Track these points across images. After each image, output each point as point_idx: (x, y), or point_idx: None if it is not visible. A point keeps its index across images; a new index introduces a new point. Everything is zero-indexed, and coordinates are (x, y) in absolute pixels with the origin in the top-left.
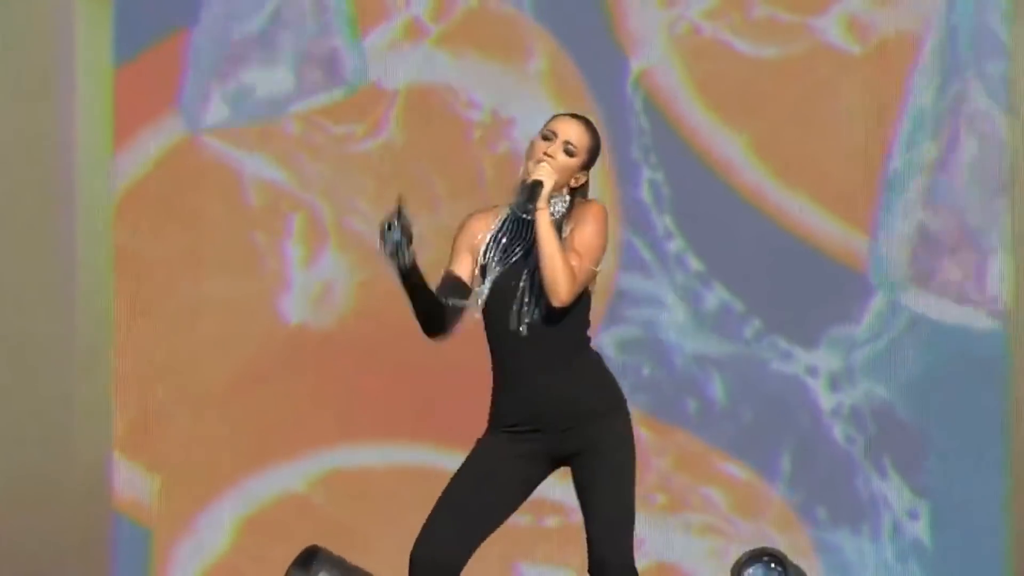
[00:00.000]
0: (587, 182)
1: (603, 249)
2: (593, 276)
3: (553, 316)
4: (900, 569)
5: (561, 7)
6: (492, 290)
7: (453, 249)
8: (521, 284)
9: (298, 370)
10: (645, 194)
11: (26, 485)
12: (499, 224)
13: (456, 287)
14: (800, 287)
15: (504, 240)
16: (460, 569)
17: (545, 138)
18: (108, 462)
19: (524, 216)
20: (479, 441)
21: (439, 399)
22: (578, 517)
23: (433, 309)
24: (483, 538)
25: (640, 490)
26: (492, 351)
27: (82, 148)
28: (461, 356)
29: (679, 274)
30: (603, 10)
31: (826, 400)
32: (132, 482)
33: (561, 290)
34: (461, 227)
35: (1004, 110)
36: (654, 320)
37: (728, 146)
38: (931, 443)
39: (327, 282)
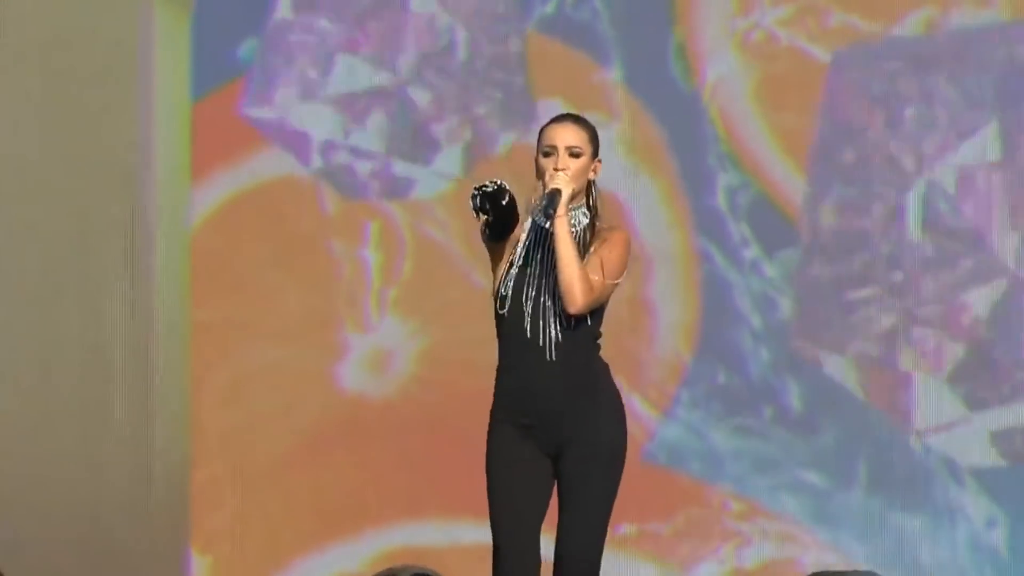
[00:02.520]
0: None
1: (623, 272)
2: (608, 293)
3: (567, 323)
4: None
5: (636, 14)
6: (513, 294)
7: (494, 264)
8: (540, 290)
9: (357, 442)
10: (721, 201)
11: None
12: (524, 234)
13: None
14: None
15: (528, 248)
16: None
17: (547, 155)
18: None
19: (545, 225)
20: (489, 450)
21: None
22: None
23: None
24: (538, 538)
25: (715, 498)
26: (503, 350)
27: (161, 184)
28: None
29: (755, 281)
30: (678, 18)
31: (905, 409)
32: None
33: (577, 296)
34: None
35: None
36: (729, 327)
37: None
38: (1009, 451)
39: (387, 348)
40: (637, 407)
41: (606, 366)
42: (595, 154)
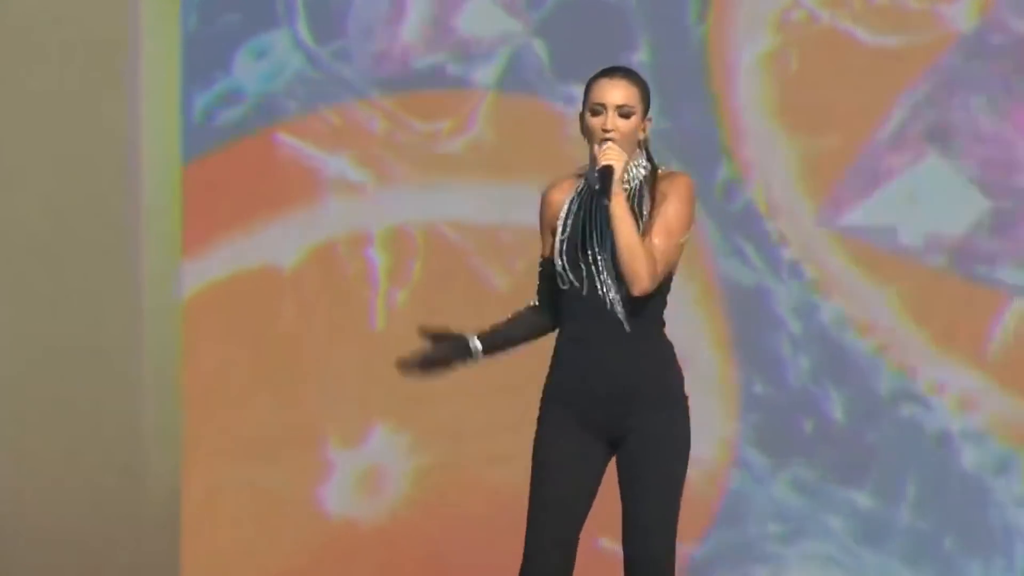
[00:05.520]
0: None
1: (689, 224)
2: (678, 253)
3: (631, 297)
4: None
5: None
6: (568, 266)
7: (541, 229)
8: (601, 262)
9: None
10: (755, 196)
11: None
12: (575, 197)
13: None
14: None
15: (582, 215)
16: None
17: (595, 113)
18: None
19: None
20: (539, 433)
21: None
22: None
23: (528, 335)
24: (579, 532)
25: (753, 518)
26: (563, 326)
27: (150, 251)
28: None
29: (793, 284)
30: None
31: (955, 420)
32: None
33: (642, 278)
34: (542, 202)
35: None
36: (766, 333)
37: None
38: None
39: (377, 465)
40: None
41: (672, 346)
42: (646, 112)
